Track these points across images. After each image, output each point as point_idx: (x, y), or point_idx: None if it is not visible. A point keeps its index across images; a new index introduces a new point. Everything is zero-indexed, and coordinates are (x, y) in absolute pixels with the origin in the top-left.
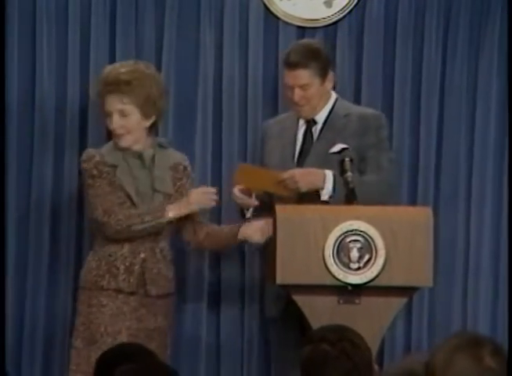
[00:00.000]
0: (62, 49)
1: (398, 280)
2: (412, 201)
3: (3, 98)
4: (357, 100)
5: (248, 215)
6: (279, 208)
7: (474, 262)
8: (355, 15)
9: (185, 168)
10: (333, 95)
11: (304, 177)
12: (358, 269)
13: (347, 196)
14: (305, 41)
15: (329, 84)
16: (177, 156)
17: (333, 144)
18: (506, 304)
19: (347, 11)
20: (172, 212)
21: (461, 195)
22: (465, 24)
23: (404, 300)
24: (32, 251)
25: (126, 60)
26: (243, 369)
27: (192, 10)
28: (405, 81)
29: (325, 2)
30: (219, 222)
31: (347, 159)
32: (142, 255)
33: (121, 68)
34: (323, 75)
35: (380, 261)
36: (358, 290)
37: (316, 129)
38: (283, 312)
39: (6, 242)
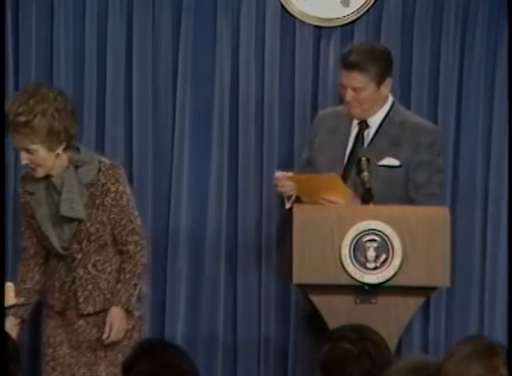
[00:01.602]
0: (78, 49)
1: (415, 280)
2: None
3: (3, 98)
4: None
5: (288, 205)
6: (296, 208)
7: (491, 261)
8: (373, 14)
9: (103, 184)
10: (390, 100)
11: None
12: (375, 268)
13: (364, 195)
14: (369, 42)
15: (385, 89)
16: (93, 172)
17: (384, 153)
18: (506, 304)
19: (364, 10)
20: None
21: (478, 195)
22: (483, 23)
23: (421, 300)
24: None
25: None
26: (259, 367)
27: (209, 9)
28: (422, 81)
29: (342, 2)
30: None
31: (363, 159)
32: (74, 274)
33: (19, 107)
34: (380, 80)
35: (396, 260)
36: (375, 289)
37: (369, 134)
38: (315, 313)
39: (6, 243)
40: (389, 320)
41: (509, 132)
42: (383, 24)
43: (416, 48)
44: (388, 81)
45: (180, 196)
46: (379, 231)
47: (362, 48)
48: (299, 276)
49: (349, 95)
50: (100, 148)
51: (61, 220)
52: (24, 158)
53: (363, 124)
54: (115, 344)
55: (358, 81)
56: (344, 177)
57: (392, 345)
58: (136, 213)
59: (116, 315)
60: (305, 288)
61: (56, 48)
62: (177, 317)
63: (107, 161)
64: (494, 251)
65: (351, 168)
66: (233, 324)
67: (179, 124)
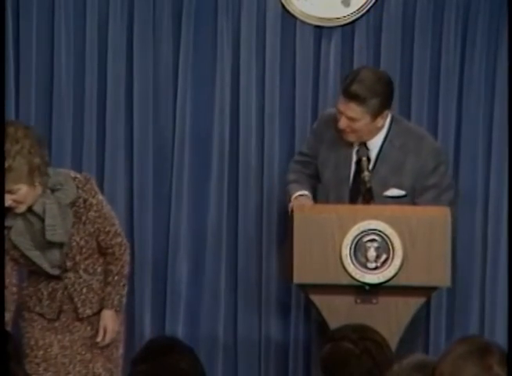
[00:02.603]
0: (79, 52)
1: (416, 280)
2: None
3: (3, 98)
4: None
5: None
6: (297, 208)
7: (492, 261)
8: (373, 14)
9: (84, 200)
10: (388, 119)
11: None
12: (376, 268)
13: (365, 195)
14: (374, 70)
15: (380, 120)
16: (73, 191)
17: (387, 182)
18: (507, 304)
19: (365, 10)
20: None
21: (479, 195)
22: (484, 23)
23: (422, 300)
24: None
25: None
26: (260, 367)
27: (210, 9)
28: (423, 81)
29: (343, 1)
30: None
31: (364, 158)
32: (65, 280)
33: None
34: (377, 113)
35: (397, 260)
36: (376, 289)
37: (371, 157)
38: None
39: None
40: (390, 320)
41: (509, 132)
42: (383, 24)
43: (417, 48)
44: (385, 114)
45: (180, 197)
46: (379, 231)
47: (365, 79)
48: (300, 276)
49: (343, 122)
50: (101, 149)
51: (50, 244)
52: (8, 199)
53: (363, 148)
54: (111, 340)
55: (354, 112)
56: (352, 197)
57: (393, 345)
58: (114, 215)
59: (109, 318)
60: (306, 288)
61: (57, 50)
62: (177, 317)
63: (79, 176)
64: (494, 250)
65: (359, 188)
66: (234, 324)
67: (180, 125)
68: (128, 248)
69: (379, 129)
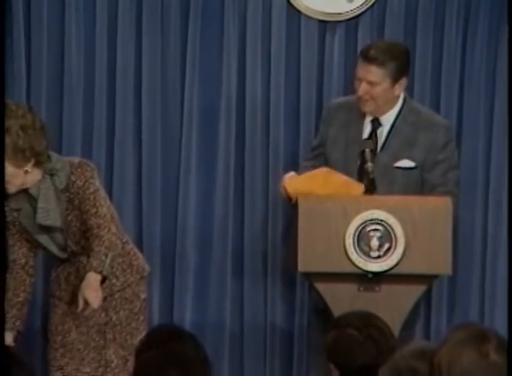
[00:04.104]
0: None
1: (418, 268)
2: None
3: (3, 99)
4: None
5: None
6: (301, 198)
7: (492, 250)
8: (377, 9)
9: (73, 183)
10: (401, 97)
11: None
12: (379, 257)
13: (368, 186)
14: (390, 40)
15: (398, 88)
16: (67, 176)
17: (399, 154)
18: (507, 302)
19: (368, 5)
20: None
21: (479, 184)
22: (484, 18)
23: (423, 288)
24: None
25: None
26: (265, 353)
27: (217, 4)
28: (425, 74)
29: None
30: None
31: (367, 150)
32: (77, 264)
33: None
34: (396, 78)
35: (399, 249)
36: (378, 278)
37: (382, 133)
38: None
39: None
40: (392, 308)
41: (509, 130)
42: (386, 19)
43: (419, 42)
44: (403, 81)
45: (188, 187)
46: (382, 221)
47: (382, 44)
48: (304, 264)
49: (363, 89)
50: (110, 138)
51: (51, 228)
52: None
53: (376, 123)
54: (123, 327)
55: (375, 75)
56: (360, 174)
57: (395, 332)
58: (103, 202)
59: (86, 280)
60: (310, 276)
61: (68, 43)
62: (185, 305)
63: (76, 161)
64: (495, 239)
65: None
66: (240, 311)
67: (187, 118)
68: (110, 232)
69: (395, 100)
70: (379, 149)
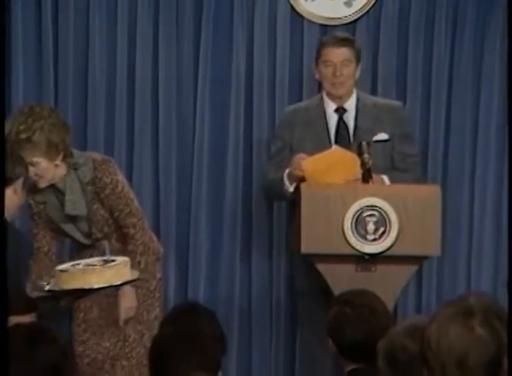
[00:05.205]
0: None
1: (410, 250)
2: (423, 181)
3: (3, 100)
4: (374, 91)
5: (291, 188)
6: (304, 186)
7: (478, 233)
8: (372, 14)
9: (99, 179)
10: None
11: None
12: (374, 240)
13: (364, 175)
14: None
15: (357, 72)
16: (90, 171)
17: (373, 133)
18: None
19: (365, 10)
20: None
21: (466, 172)
22: (471, 22)
23: (415, 267)
24: None
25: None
26: (271, 326)
27: (227, 11)
28: (416, 74)
29: (345, 2)
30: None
31: (364, 142)
32: (99, 248)
33: (19, 126)
34: (357, 62)
35: (393, 233)
36: (374, 259)
37: (348, 117)
38: (310, 286)
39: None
40: (387, 286)
41: (509, 130)
42: (381, 23)
43: (411, 45)
44: (359, 66)
45: (201, 178)
46: (378, 207)
47: (341, 33)
48: (307, 246)
49: (339, 69)
50: (130, 137)
51: (77, 217)
52: (31, 172)
53: (341, 110)
54: (140, 303)
55: (347, 54)
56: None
57: (389, 308)
58: (132, 196)
59: (122, 294)
60: (312, 257)
61: (92, 47)
62: (199, 282)
63: (99, 158)
64: (480, 223)
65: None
66: (248, 288)
67: (199, 116)
68: (143, 230)
69: (354, 85)
70: (351, 131)
